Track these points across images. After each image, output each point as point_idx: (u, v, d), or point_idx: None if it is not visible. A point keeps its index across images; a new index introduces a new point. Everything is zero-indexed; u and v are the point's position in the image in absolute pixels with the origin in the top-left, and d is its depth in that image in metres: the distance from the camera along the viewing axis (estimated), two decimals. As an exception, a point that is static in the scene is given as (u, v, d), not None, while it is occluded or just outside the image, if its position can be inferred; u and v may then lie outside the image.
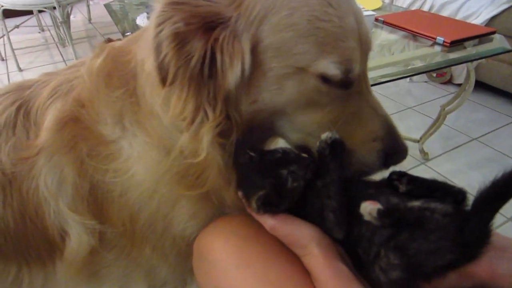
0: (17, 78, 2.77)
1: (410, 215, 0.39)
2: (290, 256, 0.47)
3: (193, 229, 0.56)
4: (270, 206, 0.45)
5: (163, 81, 0.44)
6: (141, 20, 1.54)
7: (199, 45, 0.43)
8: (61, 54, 3.10)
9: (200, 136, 0.46)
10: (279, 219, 0.46)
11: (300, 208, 0.46)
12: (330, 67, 0.44)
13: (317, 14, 0.43)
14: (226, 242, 0.51)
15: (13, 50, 2.80)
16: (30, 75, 2.81)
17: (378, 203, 0.41)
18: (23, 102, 0.59)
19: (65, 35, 2.55)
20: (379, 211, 0.39)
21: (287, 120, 0.51)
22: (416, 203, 0.40)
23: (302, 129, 0.51)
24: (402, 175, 0.44)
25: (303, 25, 0.43)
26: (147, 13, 1.57)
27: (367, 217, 0.40)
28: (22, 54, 3.07)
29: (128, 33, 1.41)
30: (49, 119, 0.56)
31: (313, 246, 0.43)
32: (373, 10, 1.60)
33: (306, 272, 0.45)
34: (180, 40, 0.42)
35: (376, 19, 1.50)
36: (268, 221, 0.46)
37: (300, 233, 0.45)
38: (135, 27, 1.50)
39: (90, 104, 0.54)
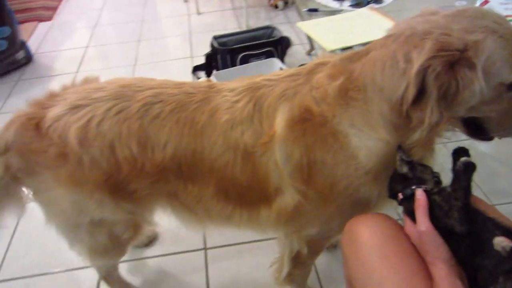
0: (194, 19, 3.14)
1: None
2: (419, 261, 0.64)
3: (376, 195, 0.83)
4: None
5: (413, 99, 0.68)
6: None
7: (447, 78, 0.67)
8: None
9: (437, 131, 0.72)
10: (430, 228, 0.62)
11: (432, 213, 0.62)
12: None
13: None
14: (372, 234, 0.70)
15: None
16: (207, 17, 3.16)
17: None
18: (257, 101, 0.84)
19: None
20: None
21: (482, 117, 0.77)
22: None
23: (488, 121, 0.78)
24: None
25: (507, 58, 0.69)
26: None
27: (497, 248, 0.54)
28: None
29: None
30: (281, 117, 0.81)
31: (441, 261, 0.60)
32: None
33: (429, 276, 0.61)
34: (438, 77, 0.66)
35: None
36: (423, 225, 0.62)
37: (437, 247, 0.61)
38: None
39: (329, 110, 0.78)
